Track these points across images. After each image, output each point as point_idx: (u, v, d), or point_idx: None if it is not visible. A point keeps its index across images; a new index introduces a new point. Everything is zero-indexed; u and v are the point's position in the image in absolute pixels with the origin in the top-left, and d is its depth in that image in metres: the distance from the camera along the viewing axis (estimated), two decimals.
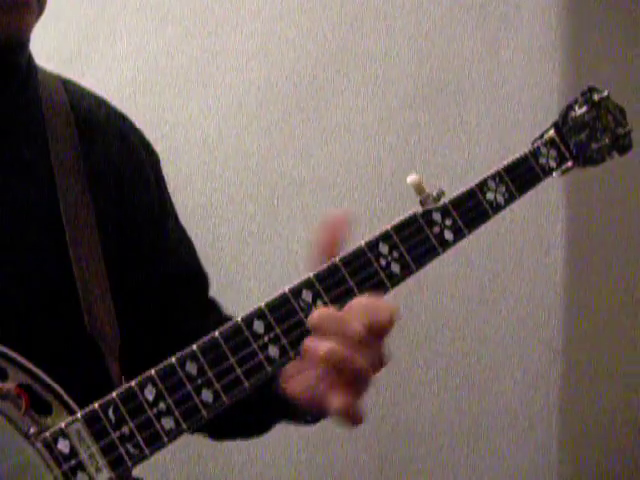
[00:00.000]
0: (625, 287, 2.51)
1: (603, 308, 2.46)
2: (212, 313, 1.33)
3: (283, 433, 2.27)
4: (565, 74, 2.37)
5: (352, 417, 1.02)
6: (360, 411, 1.02)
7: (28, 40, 1.20)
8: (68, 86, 1.28)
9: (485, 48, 2.37)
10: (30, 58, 1.24)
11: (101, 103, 1.31)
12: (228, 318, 1.19)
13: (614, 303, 2.49)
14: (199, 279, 1.36)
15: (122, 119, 1.32)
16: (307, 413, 1.14)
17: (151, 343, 1.23)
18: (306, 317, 1.01)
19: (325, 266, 1.04)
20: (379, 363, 1.03)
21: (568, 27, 2.39)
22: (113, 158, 1.25)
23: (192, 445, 2.23)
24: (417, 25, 2.37)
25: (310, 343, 1.00)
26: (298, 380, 1.04)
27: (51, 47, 2.07)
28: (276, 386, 1.06)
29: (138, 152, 1.31)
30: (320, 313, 1.01)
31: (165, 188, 1.35)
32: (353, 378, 1.00)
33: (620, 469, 2.47)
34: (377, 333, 1.01)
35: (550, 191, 2.32)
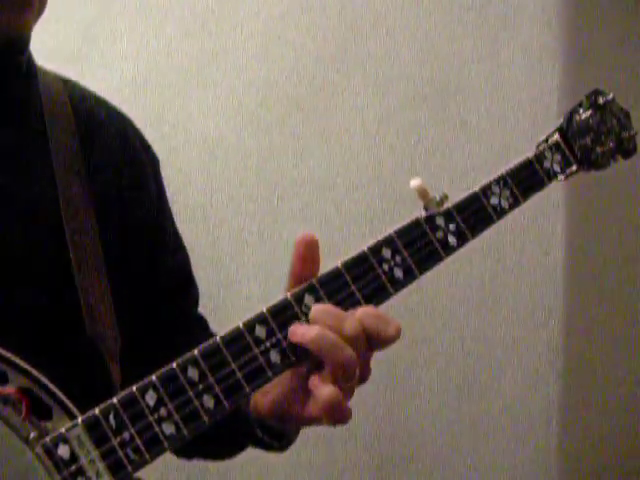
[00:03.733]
0: (625, 287, 2.51)
1: (603, 308, 2.46)
2: (199, 329, 1.33)
3: None
4: (565, 74, 2.37)
5: (339, 412, 0.98)
6: (347, 407, 0.98)
7: (29, 39, 1.20)
8: (68, 86, 1.28)
9: (485, 48, 2.37)
10: (30, 57, 1.24)
11: (101, 103, 1.31)
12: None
13: (614, 303, 2.49)
14: (191, 290, 1.36)
15: (122, 119, 1.32)
16: (278, 430, 1.12)
17: (142, 346, 1.23)
18: (308, 322, 1.01)
19: (328, 271, 1.04)
20: (364, 374, 1.01)
21: (568, 27, 2.38)
22: (113, 158, 1.25)
23: None
24: (417, 25, 2.37)
25: (298, 327, 0.98)
26: (275, 390, 1.03)
27: (51, 47, 2.06)
28: (247, 405, 1.06)
29: (138, 152, 1.31)
30: (320, 306, 0.99)
31: (164, 193, 1.35)
32: (342, 372, 0.97)
33: (620, 469, 2.47)
34: (376, 343, 0.99)
35: (550, 191, 2.31)
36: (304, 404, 1.01)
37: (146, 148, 1.34)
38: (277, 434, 1.15)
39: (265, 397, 1.06)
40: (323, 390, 0.97)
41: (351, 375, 0.98)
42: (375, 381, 2.36)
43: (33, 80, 1.23)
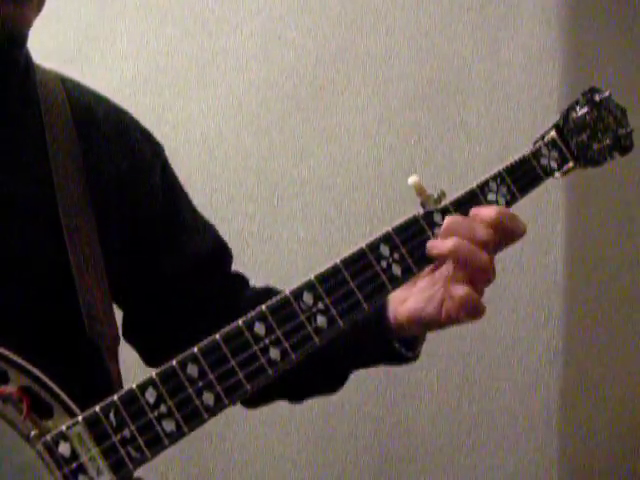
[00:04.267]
0: (625, 287, 2.51)
1: (603, 308, 2.46)
2: (241, 287, 1.33)
3: (283, 433, 2.28)
4: (565, 74, 2.37)
5: (475, 308, 1.08)
6: (482, 304, 1.09)
7: (26, 35, 1.19)
8: (66, 84, 1.27)
9: (485, 48, 2.37)
10: (28, 56, 1.23)
11: (100, 100, 1.31)
12: (263, 291, 1.25)
13: (614, 303, 2.48)
14: (220, 255, 1.35)
15: (121, 114, 1.32)
16: (412, 338, 1.18)
17: (184, 327, 1.24)
18: (307, 319, 1.02)
19: (326, 268, 1.04)
20: (492, 275, 1.10)
21: (568, 27, 2.38)
22: (112, 155, 1.25)
23: (192, 445, 2.23)
24: (417, 25, 2.37)
25: (435, 241, 1.08)
26: (413, 298, 1.12)
27: (51, 47, 2.07)
28: (379, 320, 1.14)
29: (139, 145, 1.30)
30: (451, 218, 1.09)
31: (173, 174, 1.35)
32: (478, 275, 1.07)
33: (620, 469, 2.47)
34: (507, 242, 1.11)
35: (550, 191, 2.32)
36: (441, 307, 1.10)
37: (147, 137, 1.33)
38: (410, 344, 1.20)
39: (403, 305, 1.13)
40: (461, 289, 1.07)
41: (485, 277, 1.08)
42: (375, 381, 2.36)
43: (31, 78, 1.23)
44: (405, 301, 1.14)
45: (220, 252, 1.35)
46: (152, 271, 1.28)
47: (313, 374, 1.20)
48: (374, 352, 1.21)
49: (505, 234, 1.10)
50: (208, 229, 1.36)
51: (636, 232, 2.53)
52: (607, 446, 2.45)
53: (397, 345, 1.18)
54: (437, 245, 1.08)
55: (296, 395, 1.32)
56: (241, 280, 1.36)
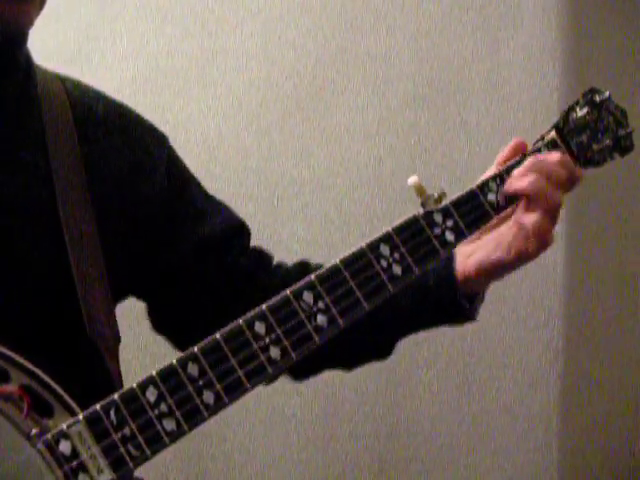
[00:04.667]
0: (625, 287, 2.51)
1: (603, 308, 2.46)
2: (262, 265, 1.34)
3: (283, 433, 2.28)
4: (565, 74, 2.37)
5: (546, 234, 1.16)
6: (552, 234, 1.17)
7: (27, 35, 1.19)
8: (67, 84, 1.27)
9: (485, 48, 2.37)
10: (28, 56, 1.23)
11: (100, 98, 1.30)
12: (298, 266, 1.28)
13: (614, 303, 2.48)
14: (236, 232, 1.35)
15: (122, 110, 1.32)
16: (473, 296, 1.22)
17: (211, 309, 1.26)
18: (307, 318, 1.02)
19: (327, 267, 1.04)
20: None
21: (568, 27, 2.38)
22: (113, 155, 1.25)
23: (192, 445, 2.23)
24: (417, 25, 2.37)
25: (514, 178, 1.15)
26: (476, 252, 1.18)
27: (51, 47, 2.07)
28: (448, 276, 1.18)
29: (141, 139, 1.30)
30: (532, 158, 1.18)
31: (179, 161, 1.35)
32: (550, 211, 1.15)
33: (620, 469, 2.47)
34: (571, 186, 1.21)
35: None
36: (509, 249, 1.17)
37: (150, 130, 1.33)
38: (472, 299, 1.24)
39: (470, 258, 1.18)
40: (534, 216, 1.14)
41: (557, 215, 1.17)
42: (375, 381, 2.36)
43: (31, 78, 1.22)
44: (472, 254, 1.19)
45: (236, 230, 1.34)
46: (165, 259, 1.27)
47: (367, 339, 1.23)
48: (438, 311, 1.23)
49: (571, 177, 1.19)
50: (222, 210, 1.36)
51: (636, 232, 2.53)
52: (607, 446, 2.45)
53: (463, 302, 1.21)
54: (516, 182, 1.15)
55: (347, 363, 1.33)
56: (261, 256, 1.36)
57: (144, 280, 1.27)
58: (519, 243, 1.15)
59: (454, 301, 1.21)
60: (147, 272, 1.27)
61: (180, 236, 1.29)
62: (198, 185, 1.36)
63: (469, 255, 1.19)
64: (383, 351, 1.30)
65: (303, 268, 1.30)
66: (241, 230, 1.35)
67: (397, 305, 1.14)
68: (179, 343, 1.32)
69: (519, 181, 1.15)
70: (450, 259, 1.19)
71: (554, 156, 1.18)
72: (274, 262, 1.37)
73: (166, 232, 1.28)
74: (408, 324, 1.27)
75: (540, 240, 1.16)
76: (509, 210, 1.18)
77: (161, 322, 1.32)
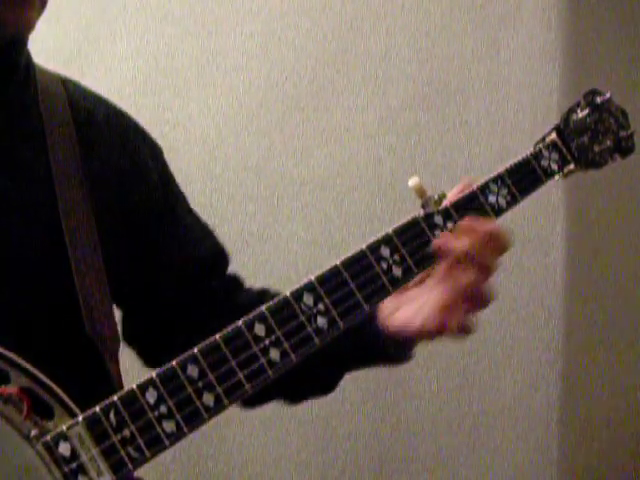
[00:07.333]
0: (625, 287, 2.51)
1: (603, 308, 2.46)
2: (235, 289, 1.34)
3: (283, 433, 2.28)
4: (565, 74, 2.37)
5: (482, 295, 1.10)
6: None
7: (27, 38, 1.19)
8: (67, 85, 1.27)
9: (485, 48, 2.37)
10: (29, 57, 1.23)
11: (100, 102, 1.31)
12: (259, 293, 1.27)
13: (614, 303, 2.49)
14: (218, 260, 1.36)
15: (121, 117, 1.32)
16: (403, 344, 1.18)
17: (178, 330, 1.26)
18: (307, 320, 1.02)
19: (326, 269, 1.04)
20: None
21: (568, 27, 2.38)
22: (112, 157, 1.25)
23: (192, 445, 2.23)
24: (417, 25, 2.37)
25: (445, 239, 1.10)
26: (401, 311, 1.13)
27: (51, 47, 2.07)
28: (372, 328, 1.14)
29: (138, 148, 1.30)
30: (466, 223, 1.11)
31: (171, 177, 1.35)
32: (486, 276, 1.10)
33: (620, 469, 2.47)
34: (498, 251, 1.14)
35: (550, 191, 2.32)
36: (433, 315, 1.10)
37: (146, 140, 1.33)
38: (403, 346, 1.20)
39: (393, 317, 1.14)
40: (466, 276, 1.08)
41: (490, 279, 1.11)
42: (375, 381, 2.36)
43: (32, 80, 1.23)
44: (396, 311, 1.14)
45: (217, 257, 1.35)
46: (150, 272, 1.28)
47: (310, 375, 1.19)
48: (368, 355, 1.21)
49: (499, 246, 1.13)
50: (206, 233, 1.36)
51: (636, 232, 2.54)
52: (607, 446, 2.45)
53: (391, 349, 1.18)
54: (448, 244, 1.10)
55: (292, 396, 1.31)
56: (235, 282, 1.36)
57: (125, 286, 1.26)
58: (442, 315, 1.10)
59: (382, 350, 1.19)
60: (129, 279, 1.26)
61: (167, 251, 1.29)
62: (186, 204, 1.37)
63: (394, 311, 1.15)
64: (328, 386, 1.29)
65: (261, 297, 1.29)
66: (222, 257, 1.36)
67: (338, 344, 1.10)
68: (146, 357, 1.32)
69: (453, 241, 1.10)
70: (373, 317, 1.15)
71: (489, 225, 1.13)
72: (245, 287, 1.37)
73: (154, 244, 1.28)
74: (349, 364, 1.25)
75: (479, 300, 1.11)
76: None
77: (132, 333, 1.31)
